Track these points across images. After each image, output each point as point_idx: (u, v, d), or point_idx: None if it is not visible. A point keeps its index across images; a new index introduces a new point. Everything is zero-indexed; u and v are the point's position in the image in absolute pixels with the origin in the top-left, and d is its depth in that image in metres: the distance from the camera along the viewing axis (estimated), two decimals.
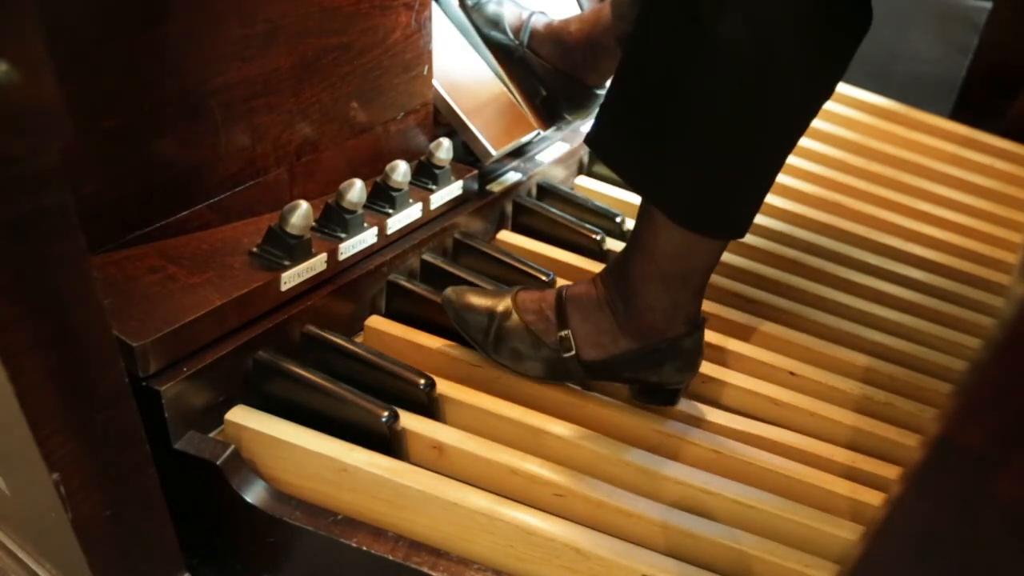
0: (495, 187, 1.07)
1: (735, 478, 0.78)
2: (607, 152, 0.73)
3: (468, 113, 1.01)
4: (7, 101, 0.40)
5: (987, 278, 1.20)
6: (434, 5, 0.98)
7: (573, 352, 0.79)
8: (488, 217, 1.06)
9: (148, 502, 0.62)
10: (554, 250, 1.07)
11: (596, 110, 1.13)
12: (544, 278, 0.98)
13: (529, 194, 1.13)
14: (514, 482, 0.75)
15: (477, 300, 0.83)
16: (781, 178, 1.30)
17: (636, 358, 0.78)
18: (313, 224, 0.82)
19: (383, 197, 0.89)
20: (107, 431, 0.55)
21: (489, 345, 0.83)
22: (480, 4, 1.08)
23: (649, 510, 0.72)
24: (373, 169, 0.95)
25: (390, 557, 0.68)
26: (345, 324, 0.86)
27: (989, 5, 1.72)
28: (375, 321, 0.89)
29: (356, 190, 0.83)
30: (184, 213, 0.78)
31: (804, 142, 1.40)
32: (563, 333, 0.79)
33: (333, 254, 0.82)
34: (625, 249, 0.77)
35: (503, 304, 0.82)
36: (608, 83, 1.12)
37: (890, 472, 0.81)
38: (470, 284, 0.94)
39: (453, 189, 0.97)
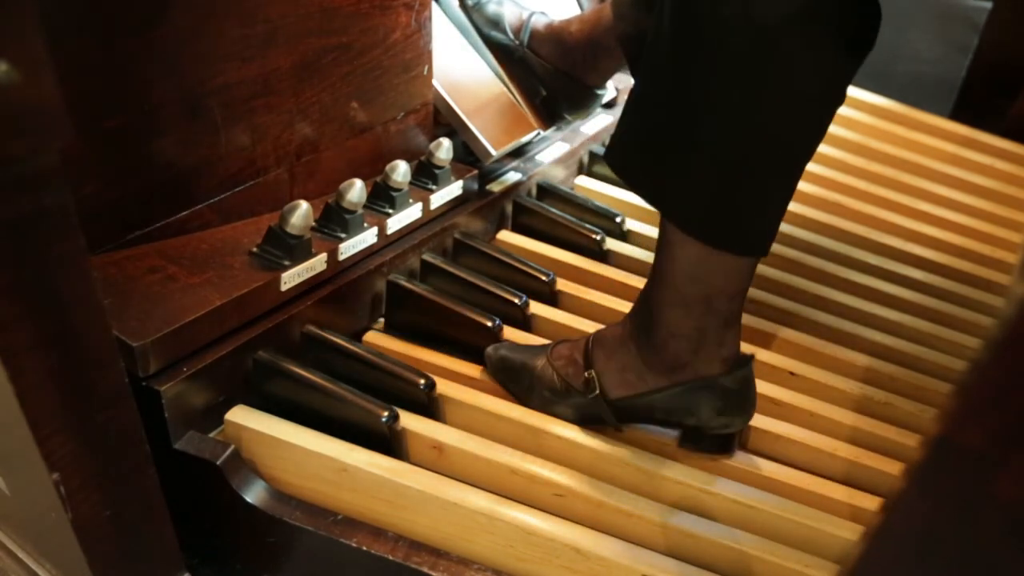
0: (495, 187, 1.07)
1: (735, 479, 0.78)
2: (622, 164, 0.71)
3: (468, 113, 1.01)
4: (7, 101, 0.40)
5: (987, 278, 1.20)
6: (434, 5, 0.98)
7: (598, 392, 0.76)
8: (488, 217, 1.06)
9: (148, 502, 0.62)
10: (554, 250, 1.07)
11: (596, 110, 1.13)
12: (544, 278, 0.98)
13: (529, 194, 1.13)
14: (514, 482, 0.75)
15: (513, 355, 0.83)
16: None
17: (667, 398, 0.74)
18: (313, 224, 0.82)
19: (383, 197, 0.89)
20: (107, 431, 0.55)
21: (522, 395, 0.82)
22: (480, 4, 1.08)
23: (649, 510, 0.72)
24: (373, 169, 0.95)
25: (390, 557, 0.68)
26: (345, 324, 0.86)
27: (989, 5, 1.72)
28: (373, 336, 0.89)
29: (356, 190, 0.83)
30: (184, 213, 0.78)
31: None
32: (588, 374, 0.77)
33: (333, 254, 0.82)
34: (647, 283, 0.74)
35: (540, 360, 0.82)
36: (608, 83, 1.12)
37: (891, 468, 0.81)
38: (473, 286, 0.94)
39: (453, 189, 0.97)
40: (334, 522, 0.70)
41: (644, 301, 0.74)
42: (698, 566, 0.69)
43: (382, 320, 0.93)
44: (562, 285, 1.00)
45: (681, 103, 0.64)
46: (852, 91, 1.52)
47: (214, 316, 0.71)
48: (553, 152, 1.17)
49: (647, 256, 1.06)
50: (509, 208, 1.10)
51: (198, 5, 0.71)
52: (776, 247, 1.15)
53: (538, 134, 1.11)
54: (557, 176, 1.17)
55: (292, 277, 0.78)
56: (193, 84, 0.73)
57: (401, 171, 0.88)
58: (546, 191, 1.14)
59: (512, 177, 1.10)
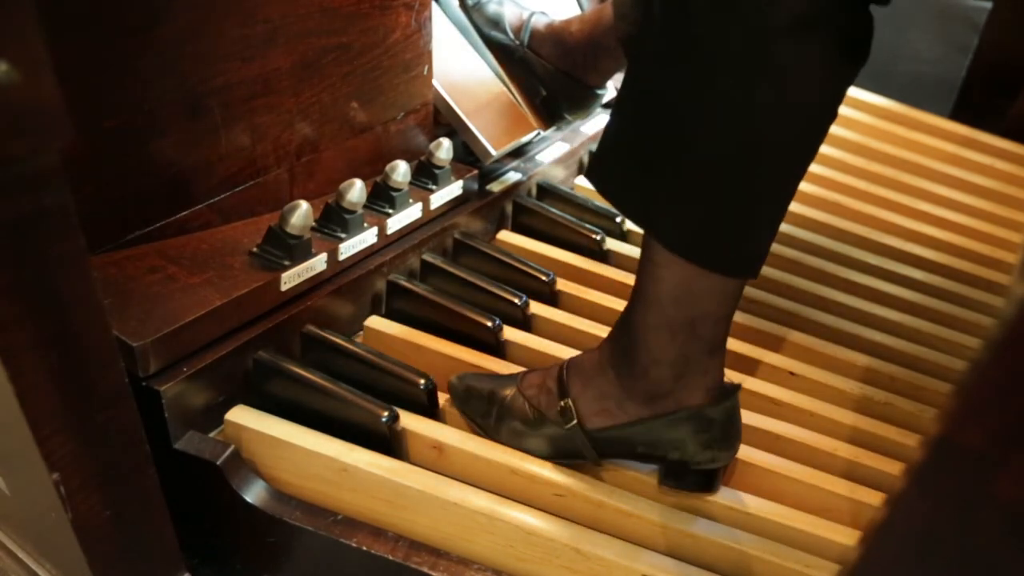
0: (495, 187, 1.07)
1: (735, 480, 0.78)
2: (606, 182, 0.67)
3: (468, 113, 1.01)
4: (7, 101, 0.40)
5: (987, 278, 1.20)
6: (434, 5, 0.98)
7: (575, 422, 0.71)
8: (488, 217, 1.06)
9: (148, 502, 0.62)
10: (554, 250, 1.07)
11: (596, 110, 1.13)
12: (544, 278, 0.98)
13: (529, 194, 1.13)
14: (514, 482, 0.75)
15: (479, 384, 0.79)
16: None
17: (649, 429, 0.69)
18: (313, 224, 0.82)
19: (383, 197, 0.89)
20: (107, 431, 0.55)
21: (490, 427, 0.77)
22: (480, 4, 1.08)
23: (649, 510, 0.72)
24: (373, 169, 0.95)
25: (390, 557, 0.68)
26: (345, 324, 0.86)
27: (989, 5, 1.72)
28: (375, 322, 0.89)
29: (356, 190, 0.83)
30: (184, 213, 0.78)
31: None
32: (563, 402, 0.72)
33: (333, 254, 0.82)
34: (628, 304, 0.70)
35: (508, 389, 0.77)
36: (608, 84, 1.12)
37: (891, 468, 0.81)
38: (473, 286, 0.94)
39: (453, 189, 0.97)
40: (334, 522, 0.70)
41: (624, 324, 0.70)
42: (698, 566, 0.69)
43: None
44: (562, 285, 1.00)
45: (669, 117, 0.60)
46: (852, 91, 1.52)
47: (214, 316, 0.71)
48: (553, 152, 1.17)
49: None
50: (509, 208, 1.10)
51: (198, 5, 0.71)
52: (776, 247, 1.15)
53: (538, 134, 1.11)
54: (557, 176, 1.17)
55: (292, 277, 0.78)
56: (193, 84, 0.73)
57: (401, 171, 0.88)
58: (546, 191, 1.14)
59: (512, 177, 1.10)
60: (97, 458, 0.55)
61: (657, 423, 0.69)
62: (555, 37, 1.07)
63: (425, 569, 0.67)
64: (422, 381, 0.79)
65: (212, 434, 0.74)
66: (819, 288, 1.09)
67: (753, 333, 0.99)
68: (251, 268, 0.77)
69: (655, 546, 0.71)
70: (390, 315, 0.92)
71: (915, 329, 1.05)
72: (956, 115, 1.59)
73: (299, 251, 0.78)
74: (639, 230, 1.13)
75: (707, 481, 0.73)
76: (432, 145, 0.94)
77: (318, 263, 0.80)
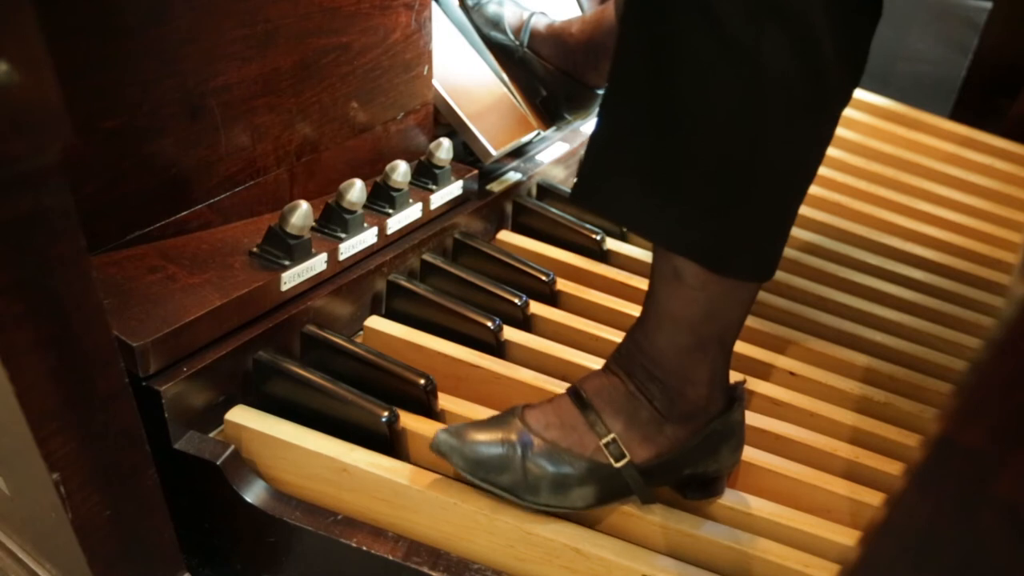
0: (495, 187, 1.07)
1: (736, 480, 0.78)
2: (620, 209, 0.62)
3: (468, 113, 1.01)
4: (7, 101, 0.40)
5: (987, 278, 1.20)
6: (434, 5, 0.98)
7: (627, 458, 0.66)
8: (488, 217, 1.06)
9: (148, 502, 0.62)
10: (554, 250, 1.07)
11: (596, 110, 1.13)
12: (544, 278, 0.98)
13: (529, 194, 1.13)
14: None
15: (484, 435, 0.69)
16: None
17: (693, 448, 0.68)
18: (313, 224, 0.82)
19: (383, 197, 0.89)
20: (107, 431, 0.55)
21: (520, 485, 0.67)
22: (480, 4, 1.08)
23: (649, 510, 0.72)
24: (373, 169, 0.95)
25: (390, 557, 0.68)
26: (345, 324, 0.86)
27: (989, 5, 1.72)
28: (375, 321, 0.89)
29: (356, 190, 0.83)
30: (184, 213, 0.78)
31: None
32: (609, 438, 0.67)
33: (333, 254, 0.82)
34: (640, 326, 0.67)
35: (515, 432, 0.68)
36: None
37: (891, 468, 0.81)
38: (473, 286, 0.94)
39: (453, 189, 0.97)
40: (334, 522, 0.70)
41: (645, 349, 0.67)
42: (698, 566, 0.69)
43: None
44: (562, 285, 1.00)
45: (680, 128, 0.57)
46: None
47: (214, 316, 0.71)
48: (553, 152, 1.17)
49: (647, 256, 1.06)
50: (509, 208, 1.10)
51: (198, 5, 0.71)
52: None
53: (538, 134, 1.11)
54: (557, 176, 1.17)
55: (292, 277, 0.78)
56: (193, 84, 0.73)
57: (401, 171, 0.88)
58: (546, 191, 1.14)
59: (512, 177, 1.10)
60: (97, 458, 0.55)
61: (698, 440, 0.68)
62: (555, 38, 1.07)
63: (425, 569, 0.67)
64: (422, 381, 0.79)
65: (212, 434, 0.74)
66: (819, 288, 1.09)
67: (753, 333, 0.99)
68: (251, 268, 0.77)
69: (655, 546, 0.71)
70: (390, 315, 0.92)
71: (915, 329, 1.05)
72: (956, 115, 1.59)
73: (299, 251, 0.78)
74: None
75: (721, 486, 0.73)
76: (432, 145, 0.94)
77: (318, 263, 0.80)
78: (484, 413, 0.80)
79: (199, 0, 0.71)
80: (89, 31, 0.65)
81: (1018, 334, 0.28)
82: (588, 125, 1.25)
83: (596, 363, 0.81)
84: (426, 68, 0.98)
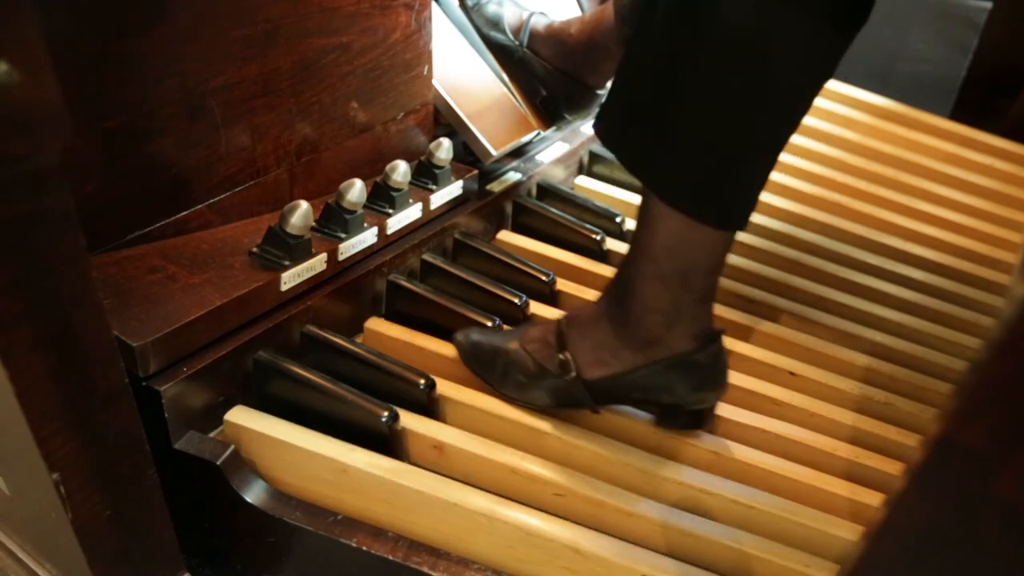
0: (495, 187, 1.07)
1: (735, 480, 0.78)
2: (609, 134, 0.71)
3: (468, 113, 1.01)
4: (7, 101, 0.40)
5: (987, 278, 1.20)
6: (434, 5, 0.98)
7: (574, 373, 0.75)
8: (488, 217, 1.06)
9: (148, 502, 0.62)
10: (554, 250, 1.07)
11: (596, 110, 1.13)
12: (544, 278, 0.98)
13: (529, 194, 1.13)
14: (514, 482, 0.75)
15: (484, 340, 0.83)
16: (781, 178, 1.30)
17: (643, 376, 0.73)
18: (313, 224, 0.82)
19: (383, 197, 0.89)
20: (107, 431, 0.55)
21: (496, 379, 0.81)
22: (480, 4, 1.08)
23: (649, 510, 0.72)
24: (373, 169, 0.95)
25: (390, 557, 0.68)
26: (345, 324, 0.86)
27: (989, 5, 1.72)
28: (375, 323, 0.89)
29: (356, 190, 0.83)
30: (184, 213, 0.78)
31: (804, 142, 1.40)
32: (562, 355, 0.76)
33: (333, 254, 0.82)
34: (624, 257, 0.74)
35: (512, 343, 0.81)
36: (608, 84, 1.11)
37: (891, 468, 0.82)
38: (473, 286, 0.94)
39: (453, 189, 0.97)
40: (334, 522, 0.70)
41: (619, 277, 0.74)
42: (698, 566, 0.69)
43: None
44: (562, 285, 1.00)
45: (668, 75, 0.63)
46: (852, 91, 1.52)
47: (214, 316, 0.71)
48: (553, 152, 1.17)
49: None
50: (509, 208, 1.10)
51: (198, 5, 0.71)
52: (776, 247, 1.15)
53: (538, 134, 1.11)
54: (557, 176, 1.17)
55: (292, 277, 0.78)
56: (193, 84, 0.73)
57: (401, 171, 0.88)
58: (546, 191, 1.14)
59: (512, 177, 1.10)
60: (97, 458, 0.55)
61: (650, 371, 0.73)
62: (555, 38, 1.07)
63: (425, 569, 0.67)
64: (422, 381, 0.79)
65: (212, 434, 0.74)
66: (819, 288, 1.09)
67: (753, 333, 0.99)
68: (251, 268, 0.77)
69: (655, 546, 0.72)
70: (390, 315, 0.92)
71: (915, 329, 1.05)
72: (956, 115, 1.59)
73: (299, 251, 0.78)
74: None
75: (697, 420, 0.78)
76: (432, 145, 0.94)
77: (318, 263, 0.80)
78: (484, 416, 0.80)
79: (199, 0, 0.71)
80: (89, 31, 0.65)
81: (1018, 334, 0.28)
82: (588, 125, 1.25)
83: None
84: (426, 68, 0.98)
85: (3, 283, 0.45)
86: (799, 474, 0.79)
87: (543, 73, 1.09)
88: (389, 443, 0.75)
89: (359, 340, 0.88)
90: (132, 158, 0.72)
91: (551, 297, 0.99)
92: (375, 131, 0.95)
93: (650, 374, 0.73)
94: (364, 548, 0.68)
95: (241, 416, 0.74)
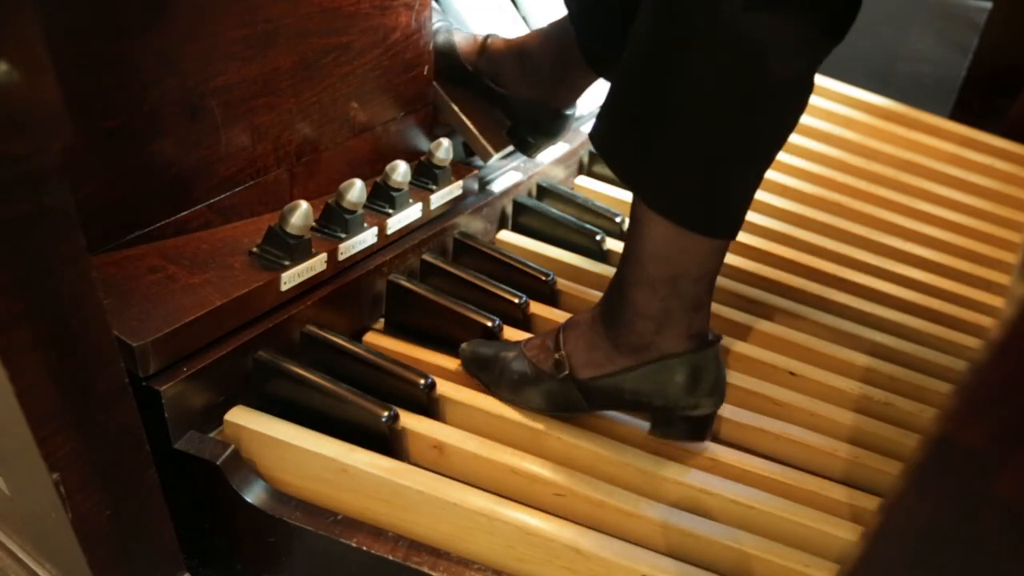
0: (495, 187, 1.07)
1: (735, 478, 0.78)
2: (602, 140, 0.71)
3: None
4: (7, 101, 0.40)
5: (987, 278, 1.20)
6: (434, 5, 0.98)
7: (567, 372, 0.76)
8: (488, 217, 1.06)
9: (148, 502, 0.62)
10: (554, 250, 1.07)
11: (567, 134, 1.04)
12: (544, 278, 0.98)
13: (529, 194, 1.13)
14: (514, 482, 0.75)
15: (486, 348, 0.84)
16: (781, 178, 1.30)
17: (635, 377, 0.73)
18: (313, 224, 0.82)
19: (383, 197, 0.89)
20: (107, 431, 0.55)
21: (493, 382, 0.82)
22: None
23: (649, 510, 0.72)
24: (373, 169, 0.95)
25: (390, 557, 0.68)
26: (345, 324, 0.86)
27: (989, 5, 1.72)
28: (373, 336, 0.89)
29: (356, 190, 0.83)
30: (184, 213, 0.78)
31: (804, 142, 1.40)
32: (558, 355, 0.77)
33: (333, 254, 0.82)
34: (619, 260, 0.74)
35: (512, 351, 0.82)
36: (579, 103, 1.02)
37: (891, 468, 0.82)
38: (473, 286, 0.94)
39: (453, 189, 0.97)
40: (334, 522, 0.70)
41: (614, 282, 0.74)
42: (698, 566, 0.69)
43: (382, 320, 0.93)
44: (562, 285, 1.00)
45: (658, 84, 0.64)
46: (852, 91, 1.52)
47: (214, 316, 0.71)
48: (553, 152, 1.17)
49: None
50: (509, 208, 1.10)
51: (198, 5, 0.71)
52: (776, 247, 1.15)
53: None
54: (557, 176, 1.17)
55: (292, 277, 0.78)
56: (193, 84, 0.73)
57: (401, 171, 0.88)
58: (546, 191, 1.14)
59: (512, 177, 1.10)
60: (97, 458, 0.55)
61: (640, 371, 0.73)
62: (516, 56, 0.97)
63: (425, 569, 0.67)
64: (422, 381, 0.79)
65: (212, 434, 0.74)
66: (819, 288, 1.09)
67: (753, 333, 0.99)
68: (251, 268, 0.77)
69: (655, 546, 0.72)
70: (390, 315, 0.92)
71: (915, 329, 1.05)
72: (956, 115, 1.59)
73: (299, 251, 0.78)
74: None
75: (696, 429, 0.76)
76: (432, 145, 0.94)
77: (318, 263, 0.80)
78: (484, 416, 0.80)
79: (199, 0, 0.71)
80: (89, 31, 0.65)
81: (1018, 334, 0.28)
82: (588, 125, 1.25)
83: None
84: (426, 68, 0.98)
85: (3, 283, 0.45)
86: (797, 479, 0.79)
87: (506, 101, 0.99)
88: (389, 443, 0.75)
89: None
90: (132, 158, 0.72)
91: (551, 297, 0.99)
92: (375, 131, 0.95)
93: (640, 375, 0.73)
94: (364, 548, 0.68)
95: (241, 416, 0.74)
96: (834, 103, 1.49)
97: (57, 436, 0.52)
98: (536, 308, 0.95)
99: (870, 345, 1.01)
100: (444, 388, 0.82)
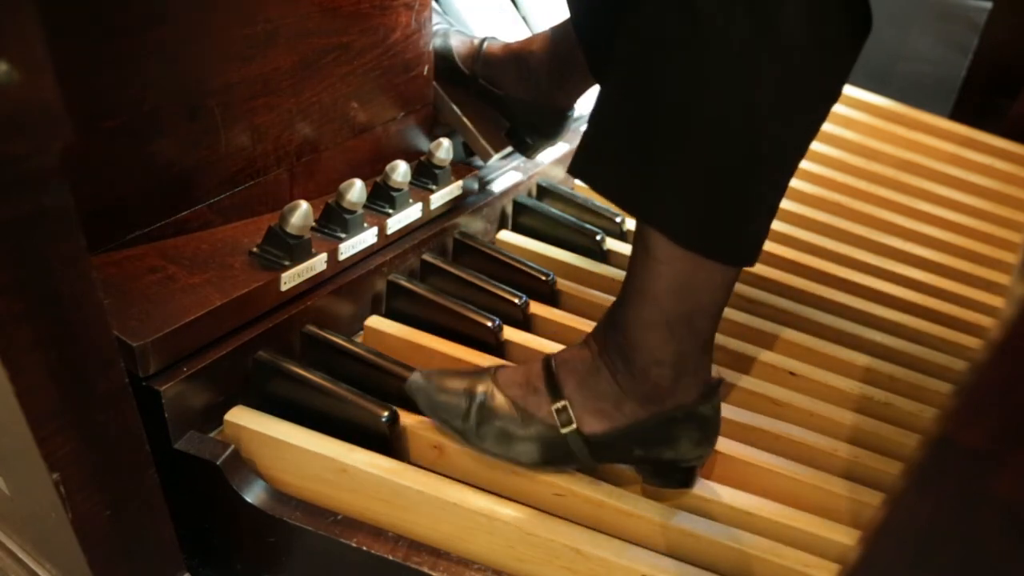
0: (495, 187, 1.07)
1: (734, 480, 0.78)
2: (596, 176, 0.64)
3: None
4: (7, 101, 0.40)
5: (987, 278, 1.20)
6: (434, 5, 0.98)
7: (574, 425, 0.68)
8: (488, 217, 1.06)
9: (148, 502, 0.62)
10: (554, 250, 1.07)
11: (566, 135, 1.04)
12: (544, 278, 0.98)
13: (529, 194, 1.13)
14: (514, 482, 0.75)
15: (452, 383, 0.73)
16: None
17: (647, 430, 0.68)
18: (313, 224, 0.82)
19: (383, 197, 0.89)
20: (107, 431, 0.55)
21: (471, 431, 0.71)
22: None
23: (649, 510, 0.72)
24: (373, 169, 0.95)
25: (390, 557, 0.68)
26: (345, 324, 0.86)
27: (989, 5, 1.72)
28: (375, 321, 0.89)
29: (356, 190, 0.83)
30: (184, 213, 0.78)
31: None
32: (559, 404, 0.68)
33: (333, 254, 0.82)
34: (617, 300, 0.68)
35: (483, 385, 0.72)
36: (577, 103, 1.01)
37: (891, 468, 0.81)
38: (473, 286, 0.94)
39: (453, 189, 0.97)
40: (334, 522, 0.70)
41: (616, 323, 0.67)
42: (698, 566, 0.69)
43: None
44: (562, 285, 1.00)
45: (670, 104, 0.58)
46: (852, 91, 1.52)
47: (214, 316, 0.71)
48: (553, 152, 1.17)
49: None
50: (509, 208, 1.10)
51: (198, 5, 0.71)
52: (776, 247, 1.15)
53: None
54: (557, 176, 1.17)
55: (292, 277, 0.78)
56: (193, 84, 0.73)
57: (401, 171, 0.88)
58: (546, 191, 1.14)
59: (512, 177, 1.10)
60: (97, 458, 0.55)
61: (655, 424, 0.67)
62: (515, 60, 0.97)
63: (425, 569, 0.67)
64: None
65: (212, 434, 0.74)
66: (819, 288, 1.09)
67: (753, 333, 0.99)
68: (251, 268, 0.77)
69: (655, 546, 0.71)
70: (390, 315, 0.92)
71: (915, 329, 1.05)
72: (956, 115, 1.59)
73: (299, 251, 0.78)
74: None
75: (689, 478, 0.73)
76: (432, 145, 0.94)
77: (318, 263, 0.80)
78: None
79: (199, 0, 0.71)
80: (89, 31, 0.65)
81: (1018, 334, 0.28)
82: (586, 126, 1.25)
83: None
84: (426, 68, 0.98)
85: (3, 283, 0.45)
86: (799, 474, 0.79)
87: (503, 103, 0.99)
88: (389, 443, 0.75)
89: (359, 339, 0.88)
90: (132, 158, 0.72)
91: (551, 297, 0.99)
92: (375, 131, 0.95)
93: (655, 428, 0.67)
94: (364, 548, 0.68)
95: (241, 416, 0.74)
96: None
97: (57, 436, 0.52)
98: (536, 308, 0.95)
99: (870, 345, 1.01)
100: None
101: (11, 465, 0.60)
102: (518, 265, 0.99)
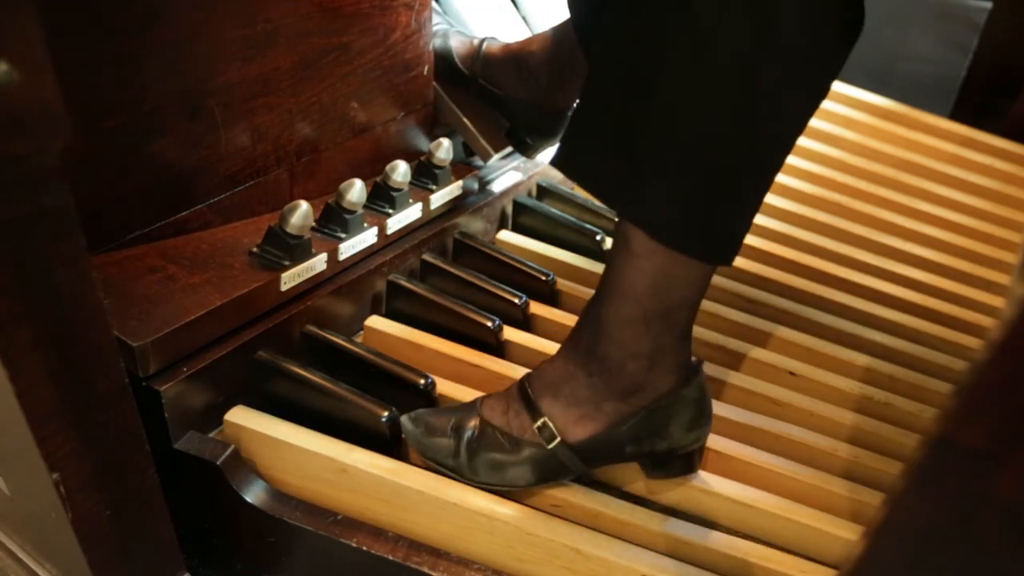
0: (495, 187, 1.07)
1: (734, 480, 0.78)
2: (578, 169, 0.64)
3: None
4: (7, 101, 0.40)
5: (987, 278, 1.20)
6: (434, 5, 0.98)
7: (558, 439, 0.68)
8: (488, 217, 1.06)
9: (148, 502, 0.62)
10: (554, 250, 1.07)
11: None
12: (544, 278, 0.98)
13: (529, 194, 1.13)
14: (511, 493, 0.74)
15: (439, 422, 0.73)
16: (781, 178, 1.30)
17: (634, 426, 0.68)
18: (313, 224, 0.82)
19: (383, 197, 0.89)
20: (107, 431, 0.55)
21: (463, 467, 0.71)
22: None
23: (646, 519, 0.72)
24: (373, 169, 0.95)
25: (390, 557, 0.68)
26: (345, 324, 0.86)
27: (989, 5, 1.72)
28: (375, 321, 0.89)
29: (356, 190, 0.83)
30: (184, 213, 0.78)
31: (804, 142, 1.40)
32: (539, 422, 0.68)
33: (333, 254, 0.82)
34: (594, 297, 0.68)
35: (469, 419, 0.72)
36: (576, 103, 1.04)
37: (891, 468, 0.81)
38: (473, 286, 0.94)
39: (453, 189, 0.97)
40: (334, 522, 0.70)
41: (589, 322, 0.68)
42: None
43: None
44: (562, 285, 1.00)
45: (656, 100, 0.58)
46: (852, 91, 1.52)
47: (214, 316, 0.71)
48: (553, 152, 1.17)
49: None
50: (509, 208, 1.10)
51: (198, 5, 0.71)
52: (776, 247, 1.15)
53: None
54: (557, 176, 1.17)
55: (292, 277, 0.78)
56: (193, 84, 0.73)
57: (401, 171, 0.88)
58: (546, 191, 1.14)
59: (512, 177, 1.10)
60: (97, 458, 0.55)
61: (641, 418, 0.68)
62: (514, 60, 0.97)
63: (425, 569, 0.67)
64: (422, 381, 0.79)
65: (212, 434, 0.74)
66: (819, 288, 1.09)
67: (753, 333, 0.99)
68: (251, 268, 0.77)
69: (655, 547, 0.71)
70: (390, 315, 0.92)
71: (915, 329, 1.05)
72: (956, 115, 1.59)
73: (299, 251, 0.78)
74: None
75: (690, 463, 0.73)
76: (432, 145, 0.94)
77: (318, 263, 0.80)
78: None
79: (199, 0, 0.71)
80: (89, 31, 0.65)
81: (1018, 334, 0.28)
82: None
83: None
84: (426, 68, 0.98)
85: (3, 283, 0.45)
86: (799, 473, 0.79)
87: (503, 103, 0.99)
88: (389, 443, 0.75)
89: (359, 339, 0.88)
90: (132, 158, 0.72)
91: (551, 297, 0.99)
92: (375, 131, 0.95)
93: (642, 422, 0.68)
94: (364, 548, 0.68)
95: (241, 416, 0.74)
96: (834, 103, 1.49)
97: (57, 436, 0.52)
98: (536, 308, 0.95)
99: (870, 345, 1.01)
100: (444, 387, 0.82)
101: (11, 465, 0.60)
102: (518, 265, 0.99)
